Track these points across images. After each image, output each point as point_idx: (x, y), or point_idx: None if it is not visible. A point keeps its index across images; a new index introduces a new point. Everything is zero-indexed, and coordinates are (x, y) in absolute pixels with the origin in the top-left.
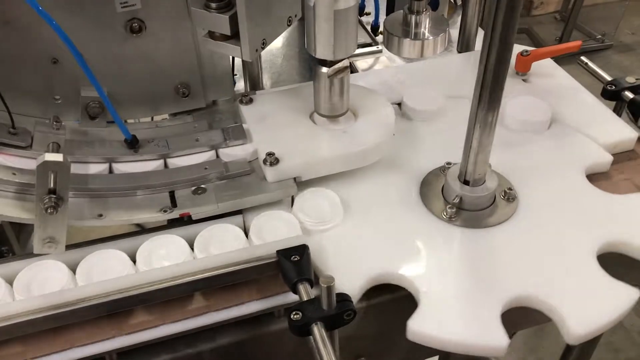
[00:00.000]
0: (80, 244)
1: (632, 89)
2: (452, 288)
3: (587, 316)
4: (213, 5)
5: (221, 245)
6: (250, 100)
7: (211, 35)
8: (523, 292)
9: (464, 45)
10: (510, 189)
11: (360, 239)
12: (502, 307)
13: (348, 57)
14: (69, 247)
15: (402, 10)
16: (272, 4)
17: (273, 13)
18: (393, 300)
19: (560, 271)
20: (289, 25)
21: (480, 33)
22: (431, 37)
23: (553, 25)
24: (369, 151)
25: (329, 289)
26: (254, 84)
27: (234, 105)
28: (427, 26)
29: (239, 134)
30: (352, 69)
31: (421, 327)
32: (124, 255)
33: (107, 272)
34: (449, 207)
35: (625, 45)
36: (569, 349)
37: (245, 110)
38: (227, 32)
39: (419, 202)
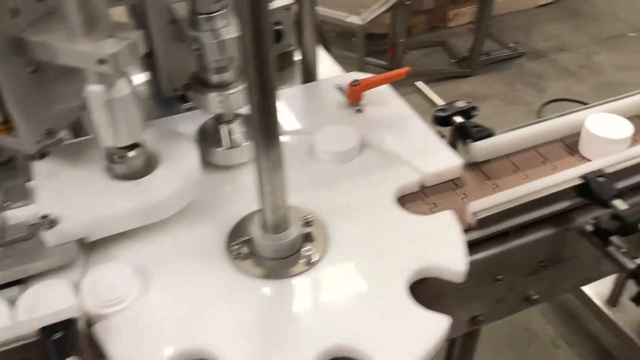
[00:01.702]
0: None
1: (462, 113)
2: (261, 352)
3: (399, 356)
4: None
5: None
6: (44, 155)
7: None
8: (334, 343)
9: (305, 75)
10: (317, 229)
11: (161, 310)
12: None
13: None
14: None
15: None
16: (53, 93)
17: (56, 101)
18: None
19: (371, 312)
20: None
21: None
22: (244, 144)
23: (468, 36)
24: (165, 203)
25: None
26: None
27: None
28: (239, 132)
29: (21, 193)
30: None
31: None
32: None
33: None
34: (252, 259)
35: (537, 52)
36: None
37: (37, 165)
38: None
39: (225, 255)
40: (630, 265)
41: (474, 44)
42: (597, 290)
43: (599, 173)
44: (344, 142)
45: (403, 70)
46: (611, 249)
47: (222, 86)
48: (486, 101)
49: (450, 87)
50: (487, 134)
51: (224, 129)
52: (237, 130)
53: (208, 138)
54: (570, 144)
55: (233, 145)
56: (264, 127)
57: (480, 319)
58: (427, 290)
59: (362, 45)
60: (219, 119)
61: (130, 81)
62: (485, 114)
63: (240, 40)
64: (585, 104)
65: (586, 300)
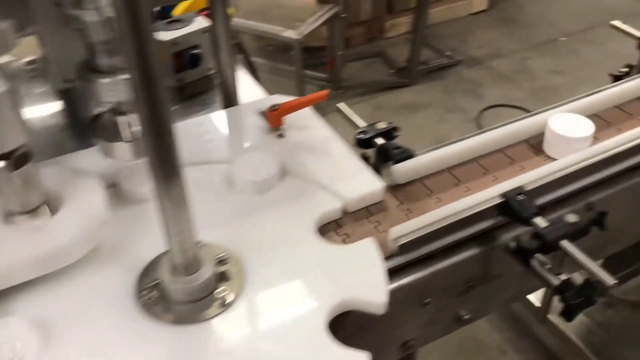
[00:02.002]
0: None
1: (383, 134)
2: None
3: None
4: None
5: None
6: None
7: None
8: None
9: (226, 100)
10: (233, 266)
11: None
12: None
13: (25, 147)
14: None
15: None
16: None
17: None
18: None
19: (289, 355)
20: None
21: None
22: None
23: (406, 46)
24: (68, 248)
25: None
26: None
27: None
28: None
29: None
30: None
31: None
32: None
33: None
34: (163, 304)
35: (474, 60)
36: None
37: None
38: None
39: (134, 300)
40: (555, 281)
41: (411, 53)
42: (539, 295)
43: (518, 191)
44: (263, 170)
45: (323, 92)
46: (535, 265)
47: (113, 72)
48: (426, 110)
49: (391, 98)
50: (407, 155)
51: (122, 121)
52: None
53: (106, 132)
54: (535, 144)
55: (134, 138)
56: (162, 166)
57: (412, 343)
58: (355, 319)
59: (299, 59)
60: (116, 111)
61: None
62: (425, 122)
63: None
64: (521, 108)
65: (529, 305)
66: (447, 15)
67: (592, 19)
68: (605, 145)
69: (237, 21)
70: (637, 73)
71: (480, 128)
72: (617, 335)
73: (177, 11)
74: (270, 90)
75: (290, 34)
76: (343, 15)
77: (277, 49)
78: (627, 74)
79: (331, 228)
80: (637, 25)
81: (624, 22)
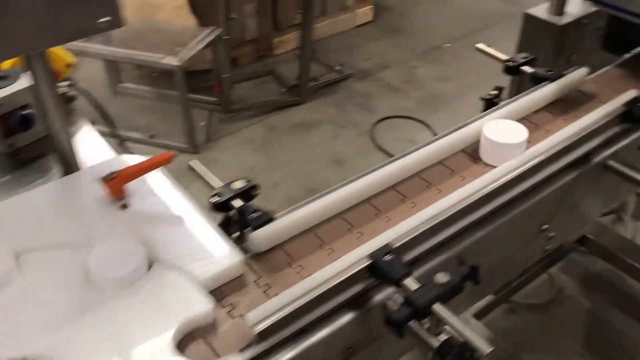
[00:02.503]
0: None
1: (241, 195)
2: None
3: None
4: None
5: None
6: None
7: None
8: None
9: (64, 166)
10: None
11: None
12: None
13: None
14: None
15: None
16: None
17: None
18: None
19: None
20: None
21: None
22: None
23: (296, 62)
24: None
25: None
26: None
27: None
28: None
29: None
30: None
31: None
32: None
33: None
34: None
35: (363, 72)
36: None
37: None
38: None
39: None
40: (435, 343)
41: (300, 71)
42: None
43: (386, 250)
44: (124, 262)
45: (167, 154)
46: (413, 329)
47: None
48: (320, 127)
49: (284, 117)
50: (266, 220)
51: None
52: None
53: None
54: (471, 152)
55: None
56: None
57: None
58: None
59: (183, 86)
60: None
61: None
62: (319, 140)
63: None
64: (412, 119)
65: None
66: (333, 29)
67: (471, 24)
68: (469, 189)
69: (114, 50)
70: (509, 95)
71: (374, 141)
72: (522, 342)
73: (2, 66)
74: (156, 118)
75: (171, 60)
76: (225, 37)
77: (162, 74)
78: (497, 96)
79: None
80: (513, 26)
81: (500, 24)
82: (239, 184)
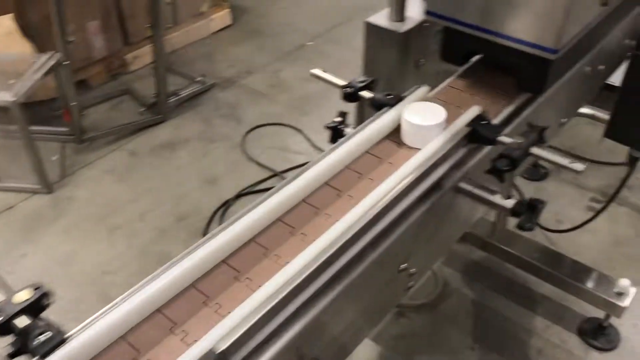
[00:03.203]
0: None
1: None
2: None
3: None
4: None
5: None
6: None
7: None
8: None
9: None
10: None
11: None
12: None
13: None
14: None
15: None
16: None
17: None
18: None
19: None
20: None
21: None
22: None
23: (153, 78)
24: None
25: None
26: None
27: None
28: None
29: None
30: None
31: None
32: None
33: None
34: None
35: (227, 80)
36: None
37: None
38: None
39: None
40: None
41: (157, 86)
42: None
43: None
44: None
45: None
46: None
47: None
48: (187, 145)
49: (146, 139)
50: (57, 342)
51: None
52: None
53: None
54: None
55: None
56: None
57: None
58: None
59: (22, 121)
60: None
61: None
62: (188, 160)
63: None
64: (283, 125)
65: None
66: (190, 38)
67: (332, 19)
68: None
69: None
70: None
71: (245, 153)
72: (414, 345)
73: None
74: (1, 159)
75: (4, 96)
76: (65, 63)
77: (0, 109)
78: (341, 122)
79: None
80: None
81: (363, 17)
82: (23, 295)
